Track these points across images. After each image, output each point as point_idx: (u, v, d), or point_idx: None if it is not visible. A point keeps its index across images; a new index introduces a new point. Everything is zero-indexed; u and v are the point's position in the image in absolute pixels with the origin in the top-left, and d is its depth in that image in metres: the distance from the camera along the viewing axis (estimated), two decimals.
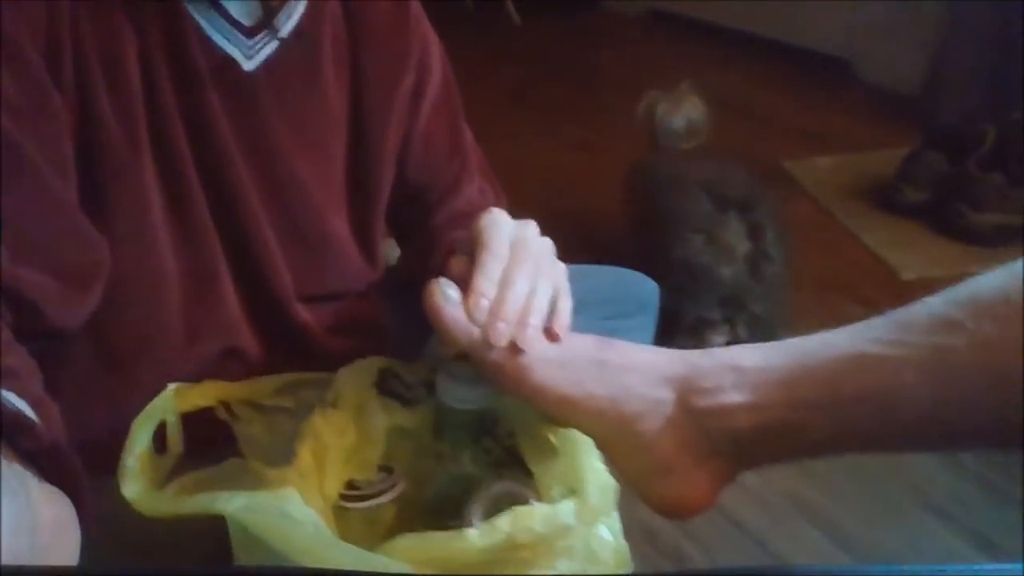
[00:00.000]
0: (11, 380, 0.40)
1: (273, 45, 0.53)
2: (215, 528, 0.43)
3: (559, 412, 0.42)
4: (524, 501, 0.43)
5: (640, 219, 1.42)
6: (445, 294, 0.42)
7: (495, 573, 0.38)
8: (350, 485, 0.46)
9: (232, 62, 0.52)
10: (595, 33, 2.69)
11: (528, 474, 0.47)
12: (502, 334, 0.41)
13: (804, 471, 1.09)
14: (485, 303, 0.42)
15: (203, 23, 0.51)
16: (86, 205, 0.48)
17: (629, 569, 0.42)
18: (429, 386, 0.49)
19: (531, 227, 0.47)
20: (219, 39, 0.51)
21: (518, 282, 0.43)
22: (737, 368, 0.40)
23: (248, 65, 0.53)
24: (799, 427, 0.38)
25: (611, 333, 0.46)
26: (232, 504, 0.42)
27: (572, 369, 0.42)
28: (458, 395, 0.45)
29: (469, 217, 0.64)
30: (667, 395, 0.41)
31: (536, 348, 0.42)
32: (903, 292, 1.41)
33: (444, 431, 0.48)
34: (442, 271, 0.56)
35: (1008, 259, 0.36)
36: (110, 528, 0.44)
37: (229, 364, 0.57)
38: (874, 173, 1.73)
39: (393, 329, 0.68)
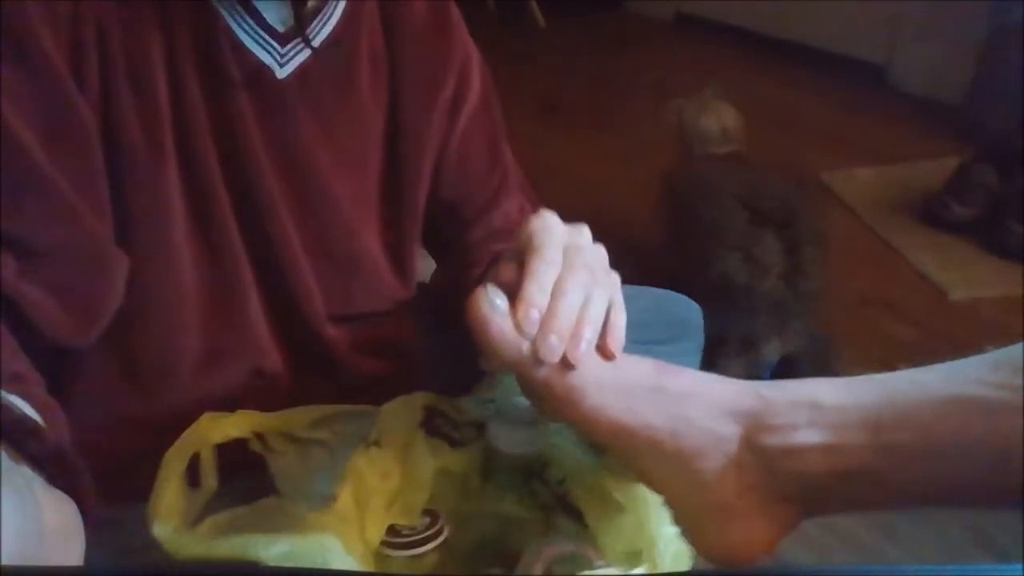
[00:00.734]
0: (15, 384, 0.38)
1: (306, 53, 0.50)
2: None
3: (610, 441, 0.38)
4: (586, 561, 0.39)
5: (676, 231, 1.37)
6: (493, 303, 0.38)
7: None
8: (392, 530, 0.43)
9: (265, 69, 0.49)
10: (619, 36, 2.64)
11: (578, 522, 0.43)
12: (554, 349, 0.37)
13: None
14: (536, 314, 0.37)
15: (236, 28, 0.47)
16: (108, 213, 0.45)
17: None
18: (478, 427, 0.45)
19: (584, 232, 0.42)
20: (252, 45, 0.48)
21: (571, 292, 0.38)
22: (814, 405, 0.36)
23: (281, 72, 0.49)
24: (882, 474, 0.34)
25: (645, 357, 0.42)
26: (270, 551, 0.39)
27: (628, 395, 0.38)
28: (510, 440, 0.42)
29: (508, 234, 0.61)
30: (732, 430, 0.37)
31: (589, 366, 0.38)
32: (951, 313, 1.37)
33: (493, 474, 0.44)
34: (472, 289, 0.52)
35: None
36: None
37: (256, 385, 0.54)
38: (917, 186, 1.66)
39: (425, 350, 0.64)
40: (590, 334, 0.38)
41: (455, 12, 0.59)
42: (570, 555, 0.39)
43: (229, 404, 0.47)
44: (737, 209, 1.22)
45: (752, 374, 1.18)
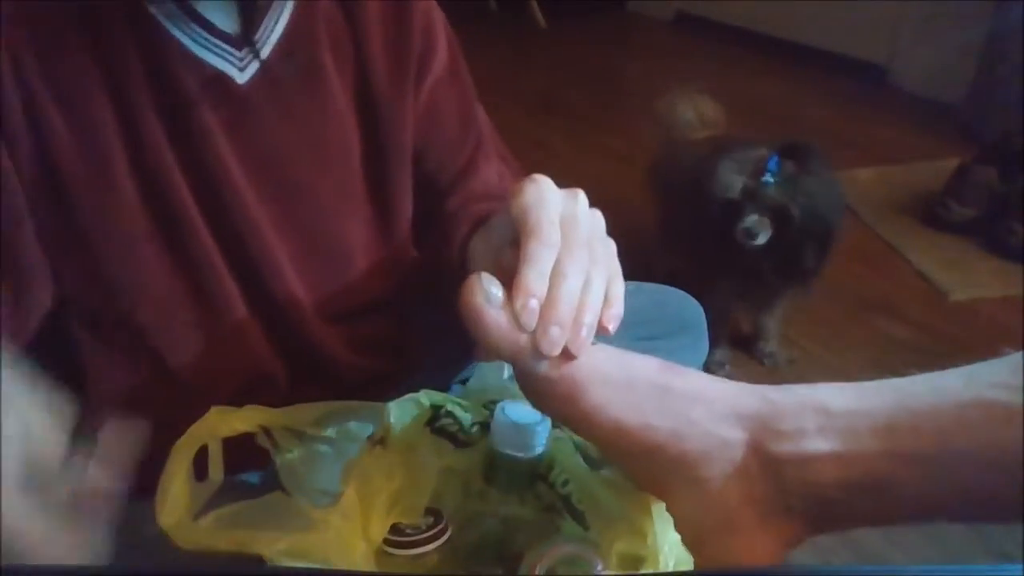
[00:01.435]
0: None
1: (266, 52, 0.47)
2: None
3: (610, 441, 0.35)
4: (588, 565, 0.38)
5: (668, 198, 1.35)
6: (487, 293, 0.33)
7: None
8: (395, 529, 0.42)
9: (224, 77, 0.46)
10: (620, 36, 2.61)
11: (582, 524, 0.42)
12: (555, 341, 0.33)
13: None
14: (535, 304, 0.33)
15: (185, 39, 0.44)
16: (61, 245, 0.43)
17: None
18: (484, 426, 0.44)
19: (581, 199, 0.38)
20: (205, 54, 0.45)
21: (571, 275, 0.34)
22: (824, 410, 0.33)
23: (242, 78, 0.47)
24: (896, 484, 0.31)
25: (645, 353, 0.38)
26: (273, 548, 0.39)
27: (632, 392, 0.35)
28: (515, 442, 0.41)
29: (488, 198, 0.58)
30: (737, 435, 0.34)
31: (591, 359, 0.35)
32: (952, 314, 1.35)
33: (496, 475, 0.43)
34: (459, 258, 0.48)
35: None
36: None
37: (255, 390, 0.53)
38: (917, 187, 1.64)
39: (423, 342, 0.62)
40: (591, 320, 0.35)
41: None
42: (572, 557, 0.38)
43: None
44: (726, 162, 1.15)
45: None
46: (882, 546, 0.98)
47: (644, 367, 0.37)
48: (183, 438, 0.44)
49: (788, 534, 0.34)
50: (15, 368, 0.33)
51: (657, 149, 1.40)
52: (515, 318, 0.34)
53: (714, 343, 1.25)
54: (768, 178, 1.05)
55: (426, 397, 0.45)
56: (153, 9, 0.43)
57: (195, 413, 0.44)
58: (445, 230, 0.57)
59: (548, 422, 0.41)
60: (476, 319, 0.34)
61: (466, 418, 0.44)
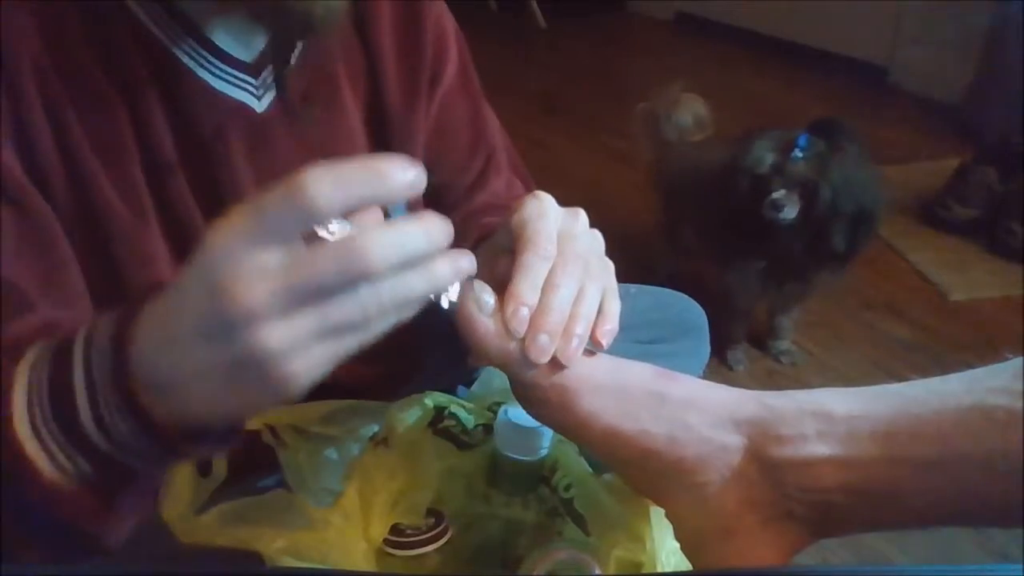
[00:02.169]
0: None
1: (283, 77, 0.45)
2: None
3: (604, 448, 0.34)
4: (587, 569, 0.37)
5: (672, 197, 1.33)
6: (479, 300, 0.33)
7: None
8: (396, 530, 0.41)
9: (242, 107, 0.44)
10: (621, 36, 2.58)
11: (584, 528, 0.41)
12: (543, 348, 0.33)
13: None
14: (526, 312, 0.33)
15: (203, 74, 0.43)
16: (96, 274, 0.42)
17: None
18: (487, 429, 0.43)
19: (581, 218, 0.38)
20: (223, 86, 0.43)
21: (564, 287, 0.34)
22: (823, 415, 0.32)
23: (259, 106, 0.45)
24: (897, 489, 0.31)
25: (646, 358, 0.38)
26: (272, 546, 0.38)
27: (625, 399, 0.34)
28: (518, 445, 0.39)
29: (494, 209, 0.56)
30: (736, 440, 0.33)
31: (583, 367, 0.34)
32: (951, 314, 1.33)
33: (499, 478, 0.42)
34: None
35: None
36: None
37: None
38: (917, 187, 1.61)
39: (423, 348, 0.59)
40: (582, 330, 0.34)
41: None
42: (571, 562, 0.37)
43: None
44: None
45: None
46: (882, 546, 0.96)
47: (639, 374, 0.36)
48: None
49: (789, 539, 0.33)
50: None
51: (654, 150, 1.38)
52: (506, 325, 0.33)
53: (732, 342, 1.24)
54: (797, 153, 1.03)
55: (430, 398, 0.43)
56: (170, 45, 0.41)
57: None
58: (453, 242, 0.56)
59: None
60: (467, 325, 0.34)
61: (469, 420, 0.43)
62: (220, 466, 0.44)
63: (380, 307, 0.29)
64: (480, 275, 0.37)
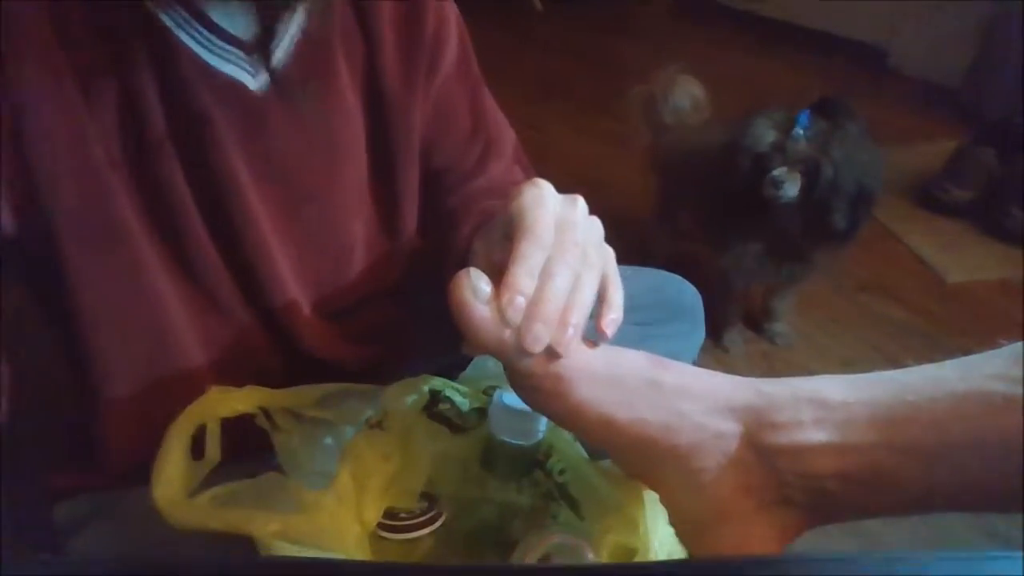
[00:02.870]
0: None
1: (280, 56, 0.44)
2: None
3: (599, 436, 0.34)
4: (581, 554, 0.36)
5: (667, 187, 1.31)
6: (475, 288, 0.33)
7: None
8: (389, 513, 0.40)
9: (237, 85, 0.43)
10: (618, 18, 2.53)
11: (577, 512, 0.40)
12: (539, 338, 0.32)
13: None
14: (521, 301, 0.33)
15: (198, 48, 0.41)
16: (73, 245, 0.41)
17: None
18: (481, 412, 0.42)
19: (579, 205, 0.37)
20: (218, 62, 0.42)
21: (560, 275, 0.33)
22: (820, 401, 0.32)
23: (255, 84, 0.43)
24: (894, 476, 0.30)
25: (641, 340, 0.38)
26: (265, 529, 0.37)
27: (620, 387, 0.34)
28: (512, 429, 0.39)
29: (489, 193, 0.56)
30: (731, 427, 0.33)
31: (578, 356, 0.34)
32: (949, 297, 1.31)
33: (493, 462, 0.41)
34: (463, 253, 0.46)
35: None
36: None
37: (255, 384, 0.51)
38: (915, 169, 1.58)
39: (420, 330, 0.59)
40: (577, 319, 0.34)
41: None
42: (564, 547, 0.37)
43: None
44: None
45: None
46: (879, 528, 0.95)
47: (633, 362, 0.35)
48: (180, 416, 0.42)
49: (785, 525, 0.33)
50: None
51: (652, 133, 1.36)
52: (501, 313, 0.33)
53: (727, 324, 1.23)
54: (798, 131, 1.02)
55: (424, 382, 0.43)
56: (165, 18, 0.40)
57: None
58: (450, 224, 0.55)
59: None
60: (462, 313, 0.33)
61: (464, 403, 0.42)
62: (213, 449, 0.43)
63: None
64: (477, 262, 0.37)
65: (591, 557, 0.36)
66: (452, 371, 0.57)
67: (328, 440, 0.45)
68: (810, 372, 1.21)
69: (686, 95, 1.31)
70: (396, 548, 0.39)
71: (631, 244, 1.34)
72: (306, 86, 0.45)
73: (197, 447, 0.42)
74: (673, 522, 0.35)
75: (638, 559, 0.33)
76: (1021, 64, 1.63)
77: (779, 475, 0.32)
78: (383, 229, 0.54)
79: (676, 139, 1.31)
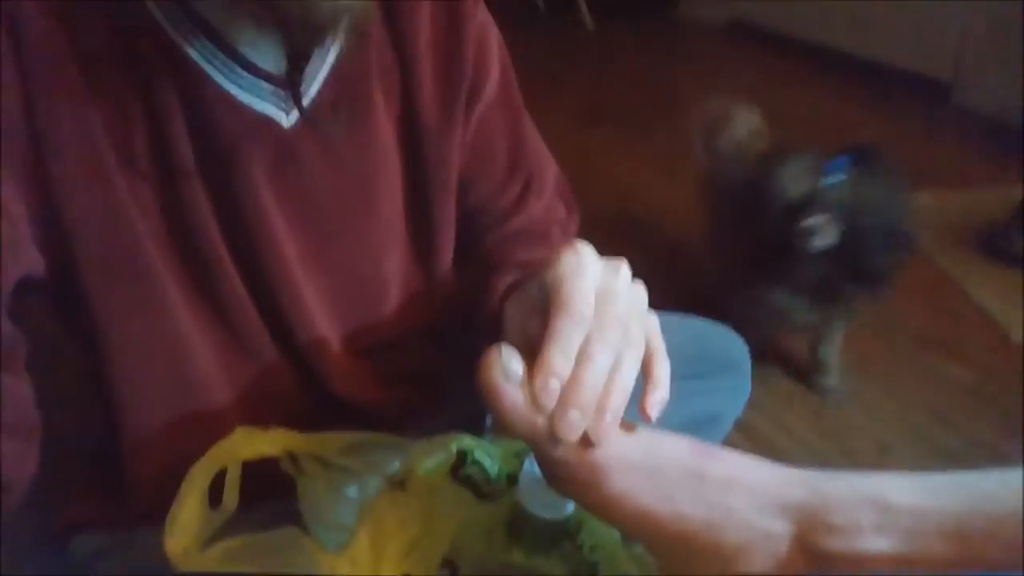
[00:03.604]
0: None
1: (312, 91, 0.42)
2: None
3: (636, 529, 0.31)
4: None
5: (721, 210, 1.27)
6: (506, 369, 0.31)
7: None
8: None
9: (268, 121, 0.41)
10: (670, 43, 2.49)
11: None
12: (574, 426, 0.30)
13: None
14: (556, 385, 0.30)
15: (226, 84, 0.39)
16: (94, 275, 0.39)
17: None
18: (512, 479, 0.39)
19: (622, 273, 0.34)
20: (248, 98, 0.40)
21: (599, 356, 0.31)
22: (883, 504, 0.29)
23: (287, 121, 0.42)
24: None
25: (682, 396, 0.35)
26: None
27: (660, 478, 0.31)
28: (542, 503, 0.36)
29: (528, 235, 0.53)
30: (782, 527, 0.30)
31: (615, 442, 0.31)
32: (1014, 356, 1.22)
33: (521, 533, 0.38)
34: (496, 311, 0.43)
35: None
36: None
37: (283, 426, 0.49)
38: (982, 214, 1.49)
39: (452, 374, 0.56)
40: (617, 405, 0.31)
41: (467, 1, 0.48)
42: None
43: None
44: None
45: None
46: None
47: (674, 449, 0.32)
48: (202, 459, 0.40)
49: None
50: None
51: (706, 161, 1.33)
52: (534, 398, 0.30)
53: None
54: (830, 179, 0.99)
55: (454, 442, 0.40)
56: (192, 52, 0.39)
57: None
58: (486, 271, 0.52)
59: None
60: (491, 396, 0.31)
61: (493, 468, 0.40)
62: (231, 497, 0.41)
63: None
64: (510, 332, 0.34)
65: None
66: (483, 419, 0.54)
67: (352, 491, 0.42)
68: (863, 431, 1.13)
69: (744, 124, 1.28)
70: None
71: (680, 278, 1.30)
72: (339, 120, 0.44)
73: (216, 491, 0.41)
74: None
75: None
76: None
77: None
78: (418, 266, 0.52)
79: (729, 167, 1.27)
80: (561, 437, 0.30)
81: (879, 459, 1.05)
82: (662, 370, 0.34)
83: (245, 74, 0.40)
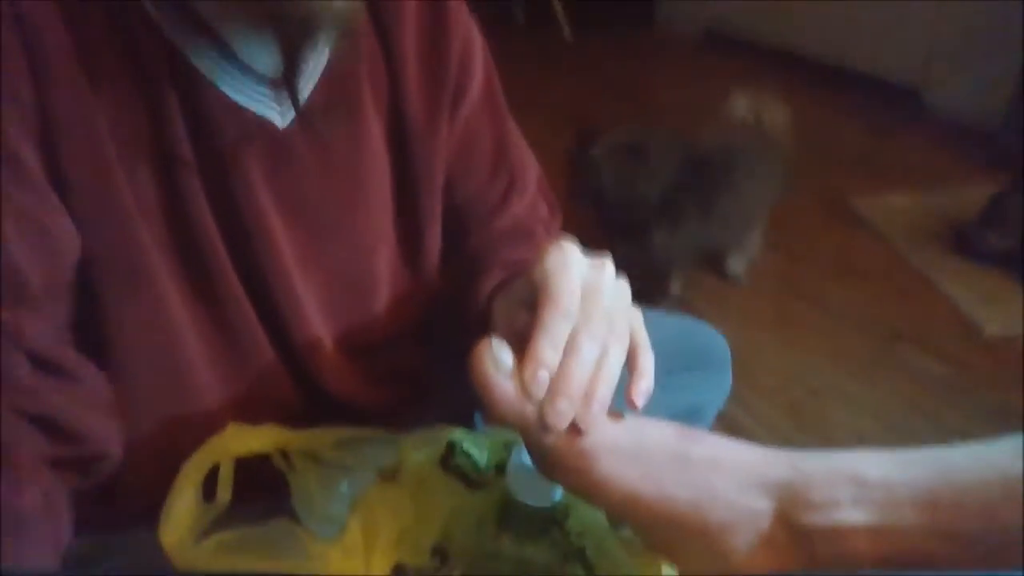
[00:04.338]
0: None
1: (307, 92, 0.43)
2: None
3: (623, 512, 0.32)
4: None
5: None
6: (497, 360, 0.32)
7: None
8: (399, 568, 0.38)
9: (265, 123, 0.42)
10: (648, 53, 2.52)
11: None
12: (563, 414, 0.31)
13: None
14: (545, 375, 0.31)
15: (225, 87, 0.40)
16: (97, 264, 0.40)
17: None
18: (500, 468, 0.40)
19: (607, 270, 0.35)
20: (245, 100, 0.41)
21: (586, 347, 0.32)
22: (859, 479, 0.30)
23: (282, 122, 0.43)
24: (932, 558, 0.29)
25: (665, 388, 0.36)
26: None
27: (647, 462, 0.32)
28: (530, 490, 0.37)
29: (513, 235, 0.54)
30: (764, 505, 0.31)
31: (602, 429, 0.32)
32: (986, 350, 1.25)
33: (510, 521, 0.39)
34: (483, 309, 0.44)
35: None
36: None
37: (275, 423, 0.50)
38: (952, 214, 1.53)
39: (440, 373, 0.56)
40: (604, 394, 0.32)
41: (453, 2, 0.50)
42: None
43: None
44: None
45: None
46: None
47: (660, 434, 0.33)
48: (195, 454, 0.41)
49: None
50: None
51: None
52: (524, 388, 0.31)
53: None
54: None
55: (444, 433, 0.41)
56: (190, 54, 0.39)
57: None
58: (471, 271, 0.53)
59: None
60: (483, 386, 0.32)
61: (482, 458, 0.41)
62: (224, 492, 0.42)
63: None
64: (498, 326, 0.35)
65: None
66: (472, 415, 0.55)
67: (344, 486, 0.43)
68: (840, 424, 1.16)
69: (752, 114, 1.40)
70: None
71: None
72: (332, 120, 0.44)
73: (209, 487, 0.41)
74: None
75: None
76: None
77: (813, 557, 0.30)
78: (406, 264, 0.53)
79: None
80: (551, 425, 0.31)
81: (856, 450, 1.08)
82: (647, 361, 0.35)
83: (243, 77, 0.41)
